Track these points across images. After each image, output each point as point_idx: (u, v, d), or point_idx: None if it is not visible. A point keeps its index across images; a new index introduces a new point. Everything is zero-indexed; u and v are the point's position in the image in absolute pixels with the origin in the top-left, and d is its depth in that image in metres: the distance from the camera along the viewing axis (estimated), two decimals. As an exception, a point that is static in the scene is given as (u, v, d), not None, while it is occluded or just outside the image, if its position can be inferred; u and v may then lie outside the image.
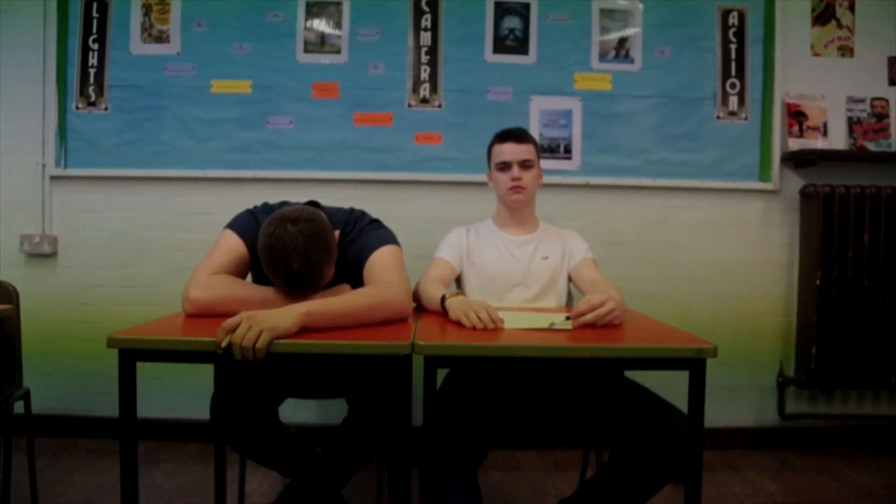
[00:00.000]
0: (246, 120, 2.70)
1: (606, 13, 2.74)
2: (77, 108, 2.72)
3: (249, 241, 1.65)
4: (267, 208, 1.76)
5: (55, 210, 2.75)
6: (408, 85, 2.72)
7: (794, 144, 2.76)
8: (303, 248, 1.45)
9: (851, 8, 2.80)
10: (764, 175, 2.78)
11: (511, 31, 2.73)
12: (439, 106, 2.71)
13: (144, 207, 2.75)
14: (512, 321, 1.50)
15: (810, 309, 2.72)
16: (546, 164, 1.93)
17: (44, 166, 2.72)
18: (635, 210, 2.78)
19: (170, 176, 2.72)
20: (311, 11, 2.70)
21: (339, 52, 2.71)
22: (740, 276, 2.81)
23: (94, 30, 2.70)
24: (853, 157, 2.78)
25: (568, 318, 1.47)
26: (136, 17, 2.70)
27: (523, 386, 1.76)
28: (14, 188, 2.74)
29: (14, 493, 2.00)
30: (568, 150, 2.75)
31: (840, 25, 2.81)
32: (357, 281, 1.67)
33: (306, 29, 2.71)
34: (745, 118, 2.77)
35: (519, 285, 2.00)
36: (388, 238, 1.75)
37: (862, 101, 2.80)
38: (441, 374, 1.40)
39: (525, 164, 1.97)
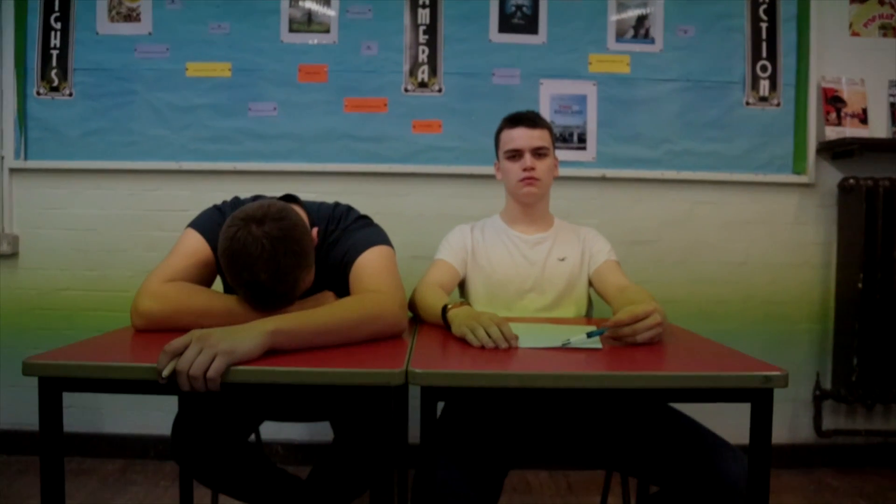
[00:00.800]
0: (225, 107, 2.50)
1: (624, -12, 2.53)
2: (38, 93, 2.50)
3: (215, 242, 1.39)
4: (237, 203, 1.51)
5: (15, 206, 2.54)
6: (404, 67, 2.51)
7: (832, 133, 2.53)
8: (270, 254, 1.19)
9: (894, -18, 2.57)
10: (798, 167, 2.55)
11: (519, 7, 2.51)
12: (439, 91, 2.51)
13: (113, 203, 2.54)
14: (528, 338, 1.24)
15: (850, 315, 2.48)
16: (558, 154, 1.79)
17: (2, 158, 2.51)
18: (656, 206, 2.57)
19: (141, 168, 2.51)
20: (298, -14, 2.50)
21: (327, 31, 2.49)
22: (772, 279, 2.60)
23: (57, 7, 2.48)
24: (897, 147, 2.55)
25: (592, 335, 1.21)
26: (104, -7, 2.49)
27: (544, 413, 1.50)
28: (-32, 183, 2.53)
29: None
30: (582, 140, 2.53)
31: (882, 2, 2.58)
32: (342, 288, 1.43)
33: (291, 6, 2.49)
34: (778, 104, 2.55)
35: (532, 291, 1.75)
36: (378, 237, 1.49)
37: (906, 84, 2.58)
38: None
39: (539, 152, 1.74)
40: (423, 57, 2.49)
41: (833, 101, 2.55)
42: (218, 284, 1.51)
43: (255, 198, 1.60)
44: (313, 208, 1.54)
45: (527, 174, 1.72)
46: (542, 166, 1.73)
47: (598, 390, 1.05)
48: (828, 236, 2.59)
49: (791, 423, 2.62)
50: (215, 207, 1.52)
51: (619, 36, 2.52)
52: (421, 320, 1.53)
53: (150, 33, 2.48)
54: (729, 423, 1.53)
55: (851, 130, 2.53)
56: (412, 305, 1.58)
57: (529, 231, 1.81)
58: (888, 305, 2.44)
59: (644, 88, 2.53)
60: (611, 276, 1.71)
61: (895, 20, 2.58)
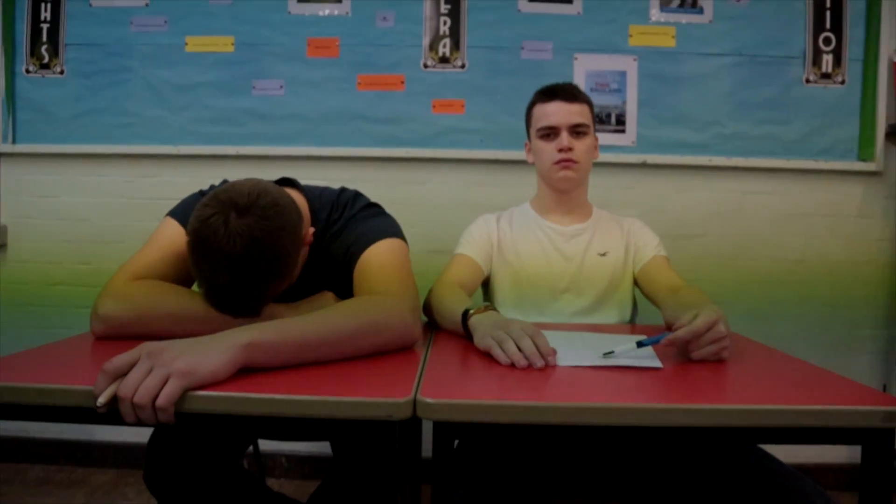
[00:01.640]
0: (227, 85, 2.31)
1: (669, -49, 2.30)
2: (27, 71, 2.32)
3: None
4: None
5: (3, 194, 2.36)
6: (423, 41, 2.30)
7: (904, 115, 2.27)
8: (241, 256, 0.97)
9: (979, -58, 2.29)
10: (864, 153, 2.30)
11: (551, -26, 2.28)
12: (462, 66, 2.30)
13: (108, 191, 2.36)
14: (568, 352, 1.00)
15: (924, 320, 2.20)
16: (595, 137, 1.67)
17: (-11, 141, 2.35)
18: (703, 196, 2.35)
19: (137, 153, 2.33)
20: (307, -48, 2.30)
21: (339, 0, 2.29)
22: (833, 279, 2.36)
23: (47, -23, 2.30)
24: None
25: (643, 344, 0.98)
26: (97, -39, 2.31)
27: (587, 446, 1.26)
28: (-47, 168, 2.37)
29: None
30: (621, 121, 2.30)
31: (964, -35, 2.28)
32: (345, 287, 1.21)
33: (300, -27, 2.29)
34: (842, 82, 2.30)
35: (568, 291, 1.53)
36: (388, 229, 1.27)
37: None
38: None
39: (577, 130, 1.51)
40: (444, 29, 2.28)
41: (906, 78, 2.28)
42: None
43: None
44: (315, 194, 1.32)
45: (563, 156, 1.49)
46: (580, 146, 1.51)
47: (664, 429, 0.80)
48: (897, 231, 2.35)
49: (853, 439, 2.35)
50: (200, 193, 1.32)
51: (664, 5, 2.28)
52: (437, 326, 1.30)
53: (146, 4, 2.29)
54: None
55: (926, 111, 2.26)
56: (427, 309, 1.35)
57: (565, 222, 1.58)
58: (969, 309, 2.16)
59: (691, 64, 2.30)
60: (661, 275, 1.47)
61: (979, -14, 2.29)
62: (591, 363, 0.97)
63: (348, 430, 0.82)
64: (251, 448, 1.71)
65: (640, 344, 0.99)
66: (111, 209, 2.35)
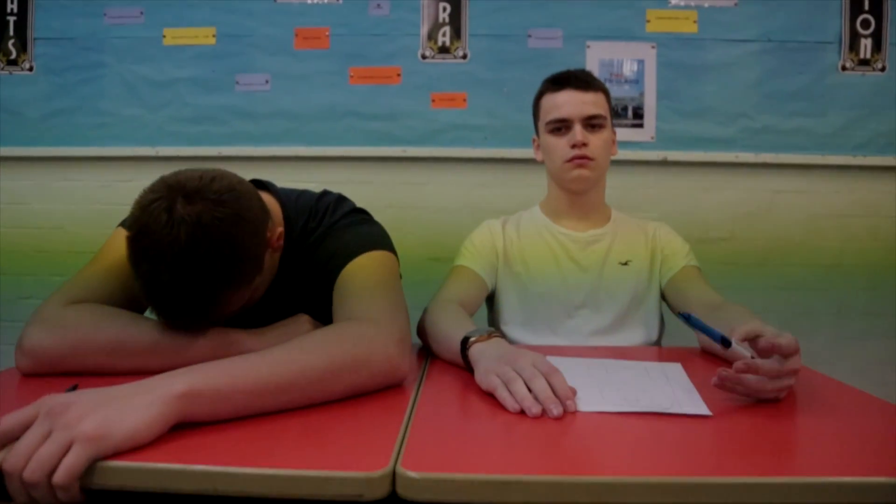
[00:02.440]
0: (209, 80, 2.23)
1: (690, -72, 2.21)
2: (-6, 68, 2.24)
3: None
4: None
5: None
6: (422, 30, 2.21)
7: (951, 105, 2.15)
8: (184, 249, 0.81)
9: None
10: None
11: (560, -46, 2.20)
12: (464, 57, 2.21)
13: (82, 197, 2.28)
14: (589, 390, 0.82)
15: (976, 330, 2.02)
16: (610, 132, 1.62)
17: (-47, 145, 2.24)
18: (729, 196, 2.25)
19: (113, 155, 2.25)
20: (293, -65, 2.22)
21: None
22: (872, 285, 2.25)
23: (14, -35, 2.23)
24: None
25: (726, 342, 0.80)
26: (67, -52, 2.21)
27: None
28: (-85, 173, 2.27)
29: None
30: (638, 115, 2.21)
31: None
32: (326, 309, 1.03)
33: (286, -42, 2.22)
34: (882, 69, 2.18)
35: (584, 307, 1.36)
36: (374, 239, 1.09)
37: None
38: None
39: (592, 123, 1.35)
40: (443, 16, 2.20)
41: (952, 64, 2.15)
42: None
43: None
44: (290, 198, 1.14)
45: (576, 152, 1.33)
46: (596, 141, 1.34)
47: None
48: (943, 233, 2.23)
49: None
50: None
51: (685, -13, 2.20)
52: (433, 354, 1.11)
53: (121, -6, 2.22)
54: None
55: (975, 101, 2.13)
56: (421, 331, 1.17)
57: (580, 227, 1.42)
58: None
59: (714, 51, 2.20)
60: (693, 288, 1.30)
61: None
62: (620, 408, 0.78)
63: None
64: None
65: (724, 341, 0.80)
66: (85, 216, 2.26)
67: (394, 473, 0.60)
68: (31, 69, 2.20)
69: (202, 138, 2.21)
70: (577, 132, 1.31)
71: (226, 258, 0.83)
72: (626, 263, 1.37)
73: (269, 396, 0.74)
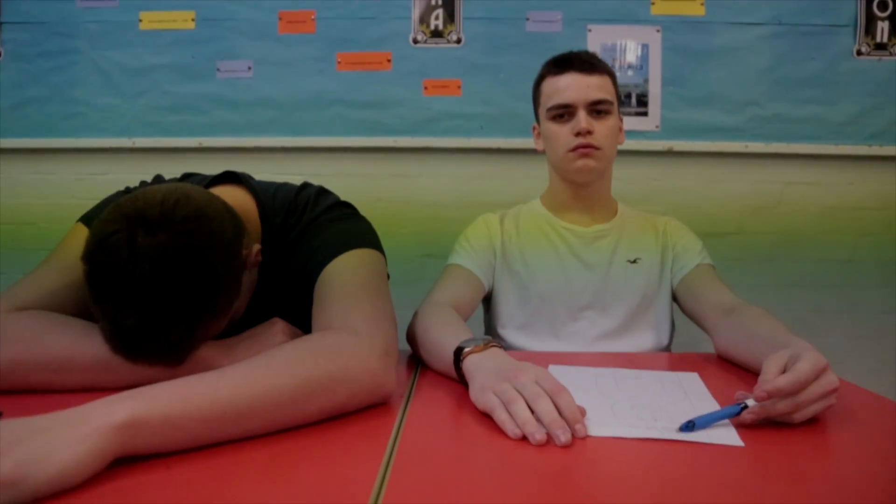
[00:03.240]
0: (188, 67, 2.15)
1: None
2: (-42, 55, 2.16)
3: None
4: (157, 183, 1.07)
5: None
6: (413, 13, 2.14)
7: (971, 92, 2.09)
8: (152, 286, 0.73)
9: None
10: None
11: (560, -67, 2.12)
12: (458, 41, 2.14)
13: (55, 191, 2.20)
14: (601, 413, 0.73)
15: None
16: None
17: (-84, 136, 2.17)
18: (738, 187, 2.19)
19: (87, 147, 2.17)
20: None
21: None
22: (886, 282, 2.19)
23: (-22, -56, 2.15)
24: None
25: (718, 416, 0.70)
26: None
27: None
28: None
29: None
30: (643, 103, 2.14)
31: None
32: (306, 314, 0.93)
33: (269, -63, 2.13)
34: None
35: (590, 309, 1.28)
36: (357, 236, 1.00)
37: None
38: None
39: (597, 109, 1.26)
40: None
41: (972, 49, 2.08)
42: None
43: (186, 177, 1.16)
44: (267, 194, 1.04)
45: (581, 140, 1.24)
46: (602, 129, 1.25)
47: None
48: (962, 227, 2.17)
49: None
50: (127, 190, 1.07)
51: (691, -33, 2.12)
52: (424, 363, 1.01)
53: (94, -24, 2.13)
54: None
55: None
56: (411, 338, 1.07)
57: (584, 221, 1.33)
58: None
59: (723, 35, 2.13)
60: (708, 289, 1.21)
61: None
62: (637, 433, 0.68)
63: None
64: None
65: (716, 416, 0.70)
66: (59, 212, 2.18)
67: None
68: (-2, 55, 2.13)
69: (181, 128, 2.15)
70: (582, 119, 1.22)
71: (198, 292, 0.74)
72: (634, 261, 1.28)
73: (230, 423, 0.64)
